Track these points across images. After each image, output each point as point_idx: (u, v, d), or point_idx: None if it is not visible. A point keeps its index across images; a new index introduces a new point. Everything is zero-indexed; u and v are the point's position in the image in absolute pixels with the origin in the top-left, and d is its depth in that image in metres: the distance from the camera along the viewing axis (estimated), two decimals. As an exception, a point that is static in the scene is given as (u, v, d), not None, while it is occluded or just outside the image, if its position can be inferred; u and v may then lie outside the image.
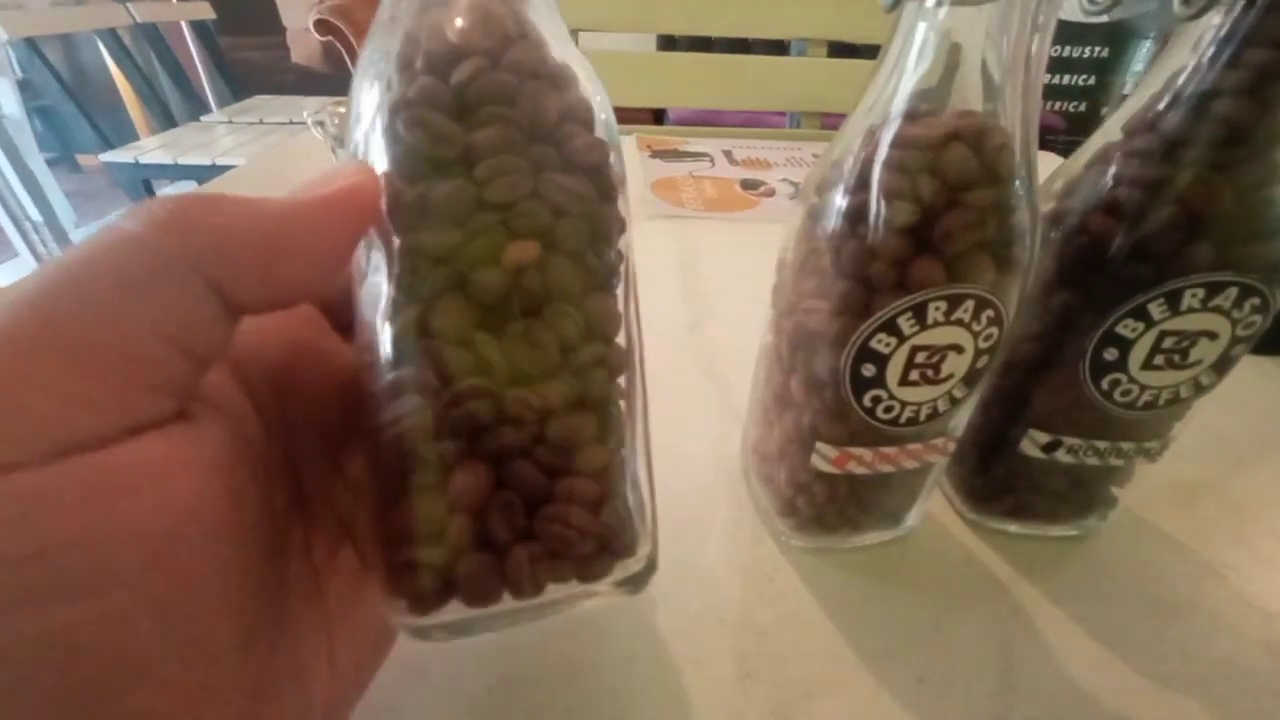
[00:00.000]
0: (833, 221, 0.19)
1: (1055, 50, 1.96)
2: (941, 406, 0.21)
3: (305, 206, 0.13)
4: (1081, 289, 0.21)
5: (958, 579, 0.24)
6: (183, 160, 1.45)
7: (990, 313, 0.19)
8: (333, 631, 0.16)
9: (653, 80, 0.86)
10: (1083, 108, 1.99)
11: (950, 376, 0.20)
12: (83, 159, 2.35)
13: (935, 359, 0.19)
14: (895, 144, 0.18)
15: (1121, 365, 0.21)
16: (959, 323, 0.19)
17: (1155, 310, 0.19)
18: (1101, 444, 0.23)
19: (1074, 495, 0.25)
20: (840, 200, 0.19)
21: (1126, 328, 0.20)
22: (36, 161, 1.67)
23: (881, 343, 0.19)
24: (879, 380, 0.20)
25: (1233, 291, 0.19)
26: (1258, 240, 0.19)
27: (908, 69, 0.18)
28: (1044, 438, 0.23)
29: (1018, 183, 0.18)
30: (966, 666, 0.21)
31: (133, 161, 1.45)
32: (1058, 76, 2.00)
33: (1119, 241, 0.20)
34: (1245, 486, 0.29)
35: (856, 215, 0.19)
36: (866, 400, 0.20)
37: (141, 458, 0.11)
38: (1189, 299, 0.19)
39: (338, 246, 0.14)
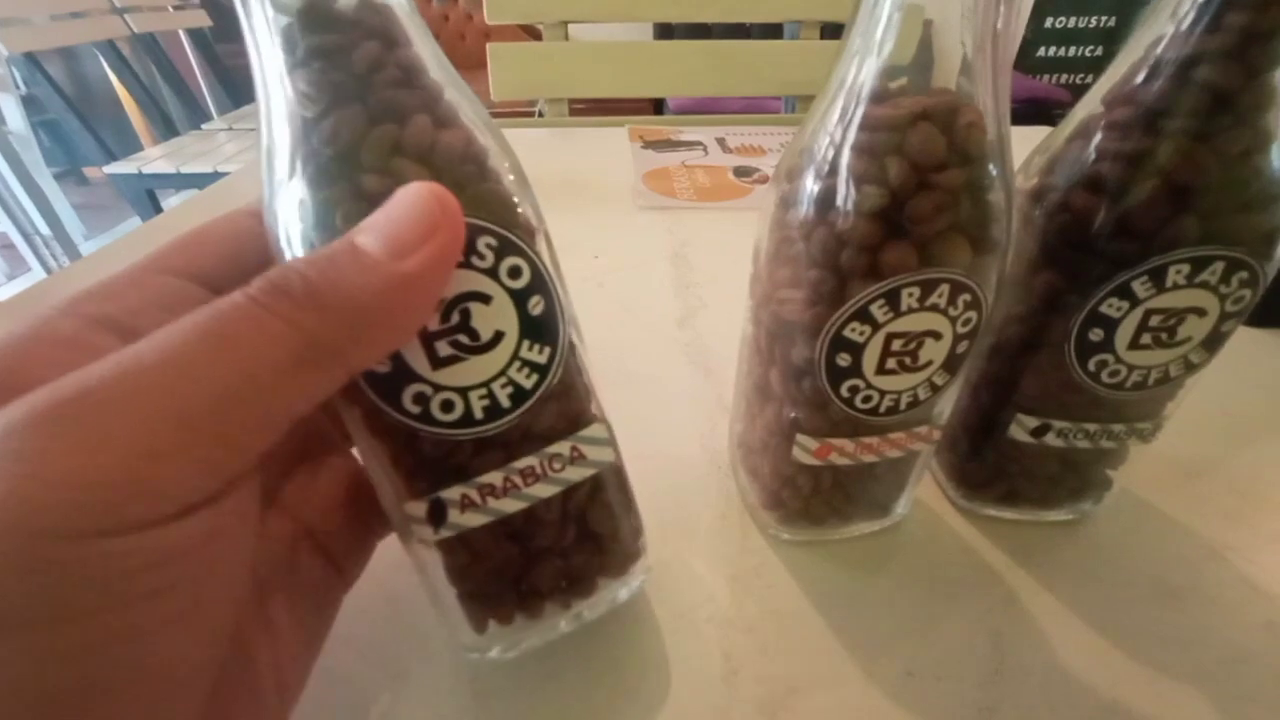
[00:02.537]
0: (803, 208, 0.19)
1: (1061, 21, 1.92)
2: (922, 394, 0.20)
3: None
4: (1064, 268, 0.20)
5: (949, 568, 0.24)
6: (185, 169, 1.45)
7: (967, 296, 0.18)
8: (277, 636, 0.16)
9: (647, 70, 0.85)
10: (1089, 80, 1.95)
11: (929, 363, 0.19)
12: (89, 171, 2.37)
13: (912, 346, 0.19)
14: (862, 126, 0.17)
15: (1108, 346, 0.20)
16: (934, 308, 0.18)
17: (1139, 288, 0.19)
18: (1091, 426, 0.22)
19: (1067, 479, 0.24)
20: (810, 186, 0.19)
21: (1111, 307, 0.19)
22: (44, 176, 1.69)
23: (855, 331, 0.18)
24: (855, 369, 0.19)
25: (1219, 266, 0.18)
26: (1245, 211, 0.18)
27: (872, 48, 0.17)
28: (1032, 422, 0.22)
29: (990, 161, 0.17)
30: (956, 657, 0.21)
31: (136, 172, 1.46)
32: (1063, 48, 1.97)
33: (1101, 218, 0.19)
34: (1248, 464, 0.28)
35: (825, 201, 0.18)
36: (844, 390, 0.20)
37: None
38: (1173, 275, 0.18)
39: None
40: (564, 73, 0.83)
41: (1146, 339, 0.20)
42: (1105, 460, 0.24)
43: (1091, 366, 0.21)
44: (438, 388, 0.15)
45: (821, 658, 0.21)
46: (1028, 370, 0.22)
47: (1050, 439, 0.23)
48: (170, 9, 1.78)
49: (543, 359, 0.16)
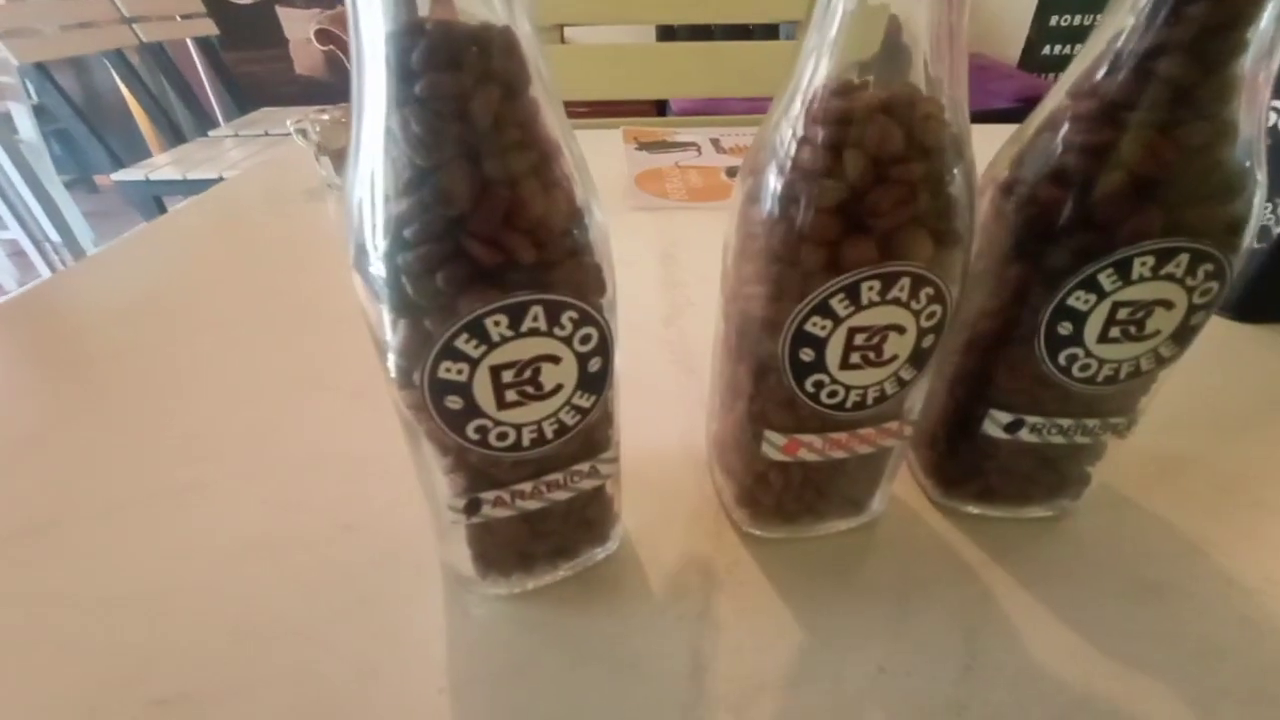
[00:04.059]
0: (765, 204, 0.19)
1: (1065, 20, 1.91)
2: (889, 389, 0.20)
3: None
4: (1034, 261, 0.20)
5: (924, 565, 0.24)
6: (191, 175, 1.47)
7: (930, 290, 0.18)
8: None
9: (645, 72, 0.85)
10: (1095, 77, 1.93)
11: (894, 358, 0.19)
12: (99, 179, 2.40)
13: (875, 340, 0.19)
14: (820, 120, 0.17)
15: (1077, 339, 0.20)
16: (896, 302, 0.18)
17: (1105, 281, 0.19)
18: (1065, 422, 0.22)
19: (1044, 475, 0.24)
20: (771, 182, 0.19)
21: (1078, 300, 0.19)
22: (54, 184, 1.71)
23: (817, 325, 0.18)
24: (819, 364, 0.19)
25: (1184, 258, 0.18)
26: (1208, 203, 0.18)
27: (827, 42, 0.17)
28: (1006, 417, 0.22)
29: (949, 153, 0.17)
30: (929, 654, 0.21)
31: (143, 179, 1.48)
32: (1068, 46, 1.95)
33: (1067, 210, 0.19)
34: (1229, 457, 0.28)
35: (786, 196, 0.18)
36: (809, 385, 0.20)
37: None
38: (1139, 267, 0.18)
39: None
40: (561, 76, 0.83)
41: (1115, 332, 0.20)
42: (1082, 456, 0.24)
43: (1062, 360, 0.20)
44: (498, 423, 0.17)
45: (792, 655, 0.21)
46: (1000, 365, 0.22)
47: (1024, 435, 0.22)
48: (178, 18, 1.80)
49: (588, 404, 0.18)
